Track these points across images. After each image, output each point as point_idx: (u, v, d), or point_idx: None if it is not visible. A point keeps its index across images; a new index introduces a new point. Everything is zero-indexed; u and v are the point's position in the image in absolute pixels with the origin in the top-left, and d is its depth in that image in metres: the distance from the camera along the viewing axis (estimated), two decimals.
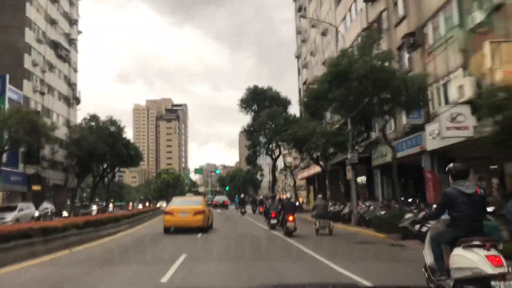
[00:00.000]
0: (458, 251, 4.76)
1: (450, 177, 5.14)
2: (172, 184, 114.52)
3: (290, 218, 15.45)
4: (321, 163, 33.73)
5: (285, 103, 50.89)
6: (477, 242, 4.64)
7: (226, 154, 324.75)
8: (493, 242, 4.69)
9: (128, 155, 54.57)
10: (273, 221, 18.61)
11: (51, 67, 47.55)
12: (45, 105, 45.62)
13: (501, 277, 4.38)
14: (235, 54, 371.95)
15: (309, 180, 53.16)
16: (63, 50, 49.97)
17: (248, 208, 43.31)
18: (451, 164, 5.27)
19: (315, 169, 44.66)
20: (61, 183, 49.75)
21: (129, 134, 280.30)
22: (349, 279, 7.47)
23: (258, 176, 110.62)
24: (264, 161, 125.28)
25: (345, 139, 24.04)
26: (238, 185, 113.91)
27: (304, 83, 53.82)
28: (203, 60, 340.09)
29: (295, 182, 45.56)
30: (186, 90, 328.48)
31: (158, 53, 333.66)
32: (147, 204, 74.88)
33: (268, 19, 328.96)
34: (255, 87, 51.49)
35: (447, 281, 4.89)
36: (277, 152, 53.58)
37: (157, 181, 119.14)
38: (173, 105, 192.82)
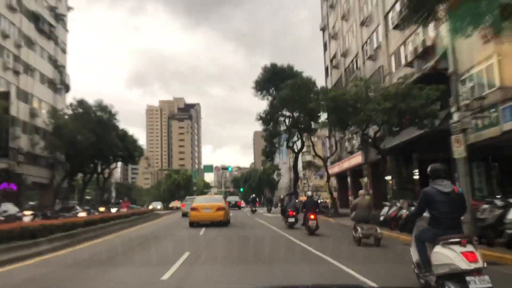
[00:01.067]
0: (437, 248, 4.91)
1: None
2: (183, 185, 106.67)
3: (312, 216, 14.78)
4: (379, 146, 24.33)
5: (309, 84, 42.06)
6: (454, 239, 4.78)
7: (241, 157, 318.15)
8: (470, 239, 4.84)
9: (125, 149, 46.43)
10: (291, 220, 17.84)
11: (30, 43, 39.55)
12: (21, 87, 37.58)
13: (476, 272, 4.49)
14: (251, 55, 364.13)
15: (340, 177, 44.21)
16: (46, 25, 41.96)
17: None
18: (430, 165, 5.46)
19: (351, 161, 35.75)
20: (45, 181, 41.81)
21: (142, 135, 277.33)
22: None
23: (275, 176, 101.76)
24: (281, 159, 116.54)
25: (423, 103, 15.23)
26: (253, 186, 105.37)
27: (333, 59, 44.93)
28: (218, 62, 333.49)
29: (328, 178, 36.62)
30: (201, 92, 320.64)
31: (174, 55, 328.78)
32: (124, 207, 52.54)
33: (285, 19, 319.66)
34: (273, 66, 42.65)
35: (431, 277, 5.09)
36: (299, 144, 44.86)
37: (167, 182, 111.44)
38: (186, 104, 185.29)
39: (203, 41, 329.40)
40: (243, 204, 60.41)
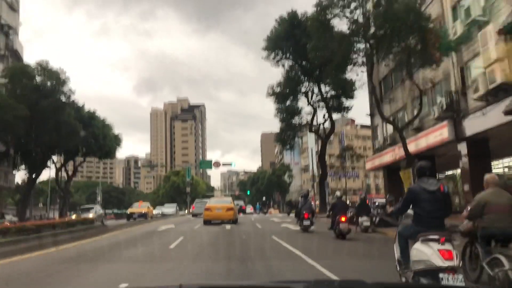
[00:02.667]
0: (416, 245, 4.84)
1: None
2: (183, 188, 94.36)
3: (343, 219, 13.22)
4: None
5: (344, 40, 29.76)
6: (433, 236, 4.70)
7: (250, 162, 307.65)
8: (449, 237, 4.70)
9: (94, 136, 34.33)
10: (306, 222, 16.08)
11: None
12: None
13: (450, 270, 4.45)
14: (261, 59, 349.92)
15: (391, 170, 31.52)
16: None
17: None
18: (418, 163, 5.37)
19: (420, 142, 23.27)
20: None
21: (147, 139, 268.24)
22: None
23: (286, 178, 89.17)
24: (292, 159, 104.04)
25: None
26: (261, 189, 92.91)
27: None
28: (228, 66, 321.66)
29: (411, 162, 24.15)
30: (211, 97, 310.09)
31: (184, 59, 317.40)
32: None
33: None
34: (292, 15, 30.19)
35: (408, 273, 4.99)
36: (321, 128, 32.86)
37: (165, 185, 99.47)
38: (190, 105, 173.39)
39: (213, 45, 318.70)
40: (251, 209, 57.66)
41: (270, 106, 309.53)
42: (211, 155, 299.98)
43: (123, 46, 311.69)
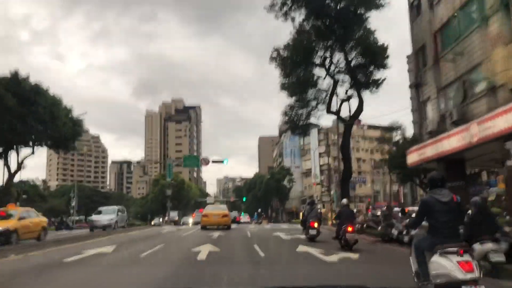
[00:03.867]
0: (435, 258, 4.83)
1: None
2: (174, 193, 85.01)
3: (350, 228, 12.18)
4: None
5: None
6: (451, 249, 4.68)
7: (248, 168, 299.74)
8: (467, 248, 4.71)
9: (37, 118, 25.55)
10: (312, 232, 15.06)
11: None
12: None
13: (472, 282, 4.44)
14: (262, 64, 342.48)
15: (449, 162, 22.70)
16: None
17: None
18: (429, 174, 5.54)
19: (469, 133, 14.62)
20: None
21: (141, 142, 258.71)
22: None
23: (286, 183, 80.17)
24: (293, 162, 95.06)
25: None
26: (258, 195, 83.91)
27: None
28: (228, 71, 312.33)
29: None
30: (210, 102, 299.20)
31: (184, 63, 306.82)
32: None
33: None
34: None
35: (429, 286, 4.95)
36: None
37: (154, 190, 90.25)
38: (185, 107, 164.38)
39: (214, 49, 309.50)
40: (247, 218, 55.69)
41: (270, 112, 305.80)
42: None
43: (122, 48, 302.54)
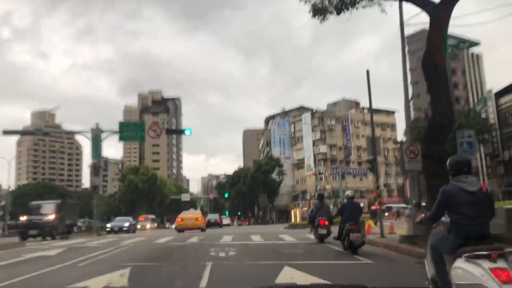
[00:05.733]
0: (459, 263, 3.72)
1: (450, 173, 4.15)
2: (145, 190, 71.75)
3: (355, 227, 9.92)
4: None
5: None
6: (481, 252, 3.58)
7: (234, 165, 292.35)
8: (502, 251, 3.57)
9: None
10: (322, 231, 12.81)
11: None
12: None
13: None
14: (250, 61, 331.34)
15: None
16: None
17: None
18: (450, 158, 4.26)
19: None
20: None
21: (113, 137, 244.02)
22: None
23: (275, 175, 67.66)
24: (282, 152, 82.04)
25: None
26: (243, 190, 71.30)
27: None
28: (216, 68, 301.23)
29: None
30: (197, 100, 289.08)
31: (171, 60, 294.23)
32: None
33: (286, 24, 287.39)
34: None
35: None
36: None
37: (122, 186, 76.87)
38: (164, 98, 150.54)
39: (200, 46, 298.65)
40: (228, 220, 54.99)
41: (258, 110, 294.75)
42: (194, 159, 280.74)
43: (107, 46, 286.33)
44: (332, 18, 10.91)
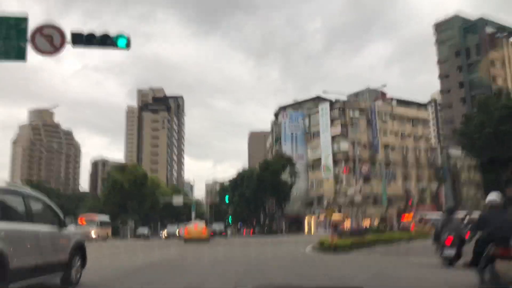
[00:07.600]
0: None
1: None
2: (132, 190, 60.76)
3: (503, 250, 6.44)
4: None
5: None
6: None
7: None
8: None
9: None
10: (449, 251, 9.80)
11: None
12: None
13: None
14: (260, 66, 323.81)
15: None
16: None
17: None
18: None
19: None
20: None
21: (121, 141, 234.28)
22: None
23: (286, 176, 56.07)
24: (295, 150, 69.88)
25: None
26: (247, 194, 59.86)
27: None
28: (226, 73, 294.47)
29: None
30: (206, 104, 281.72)
31: (182, 64, 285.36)
32: None
33: (298, 28, 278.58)
34: None
35: None
36: None
37: (107, 185, 65.98)
38: (166, 96, 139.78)
39: (212, 50, 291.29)
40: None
41: (266, 116, 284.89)
42: (201, 165, 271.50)
43: (118, 50, 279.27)
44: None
